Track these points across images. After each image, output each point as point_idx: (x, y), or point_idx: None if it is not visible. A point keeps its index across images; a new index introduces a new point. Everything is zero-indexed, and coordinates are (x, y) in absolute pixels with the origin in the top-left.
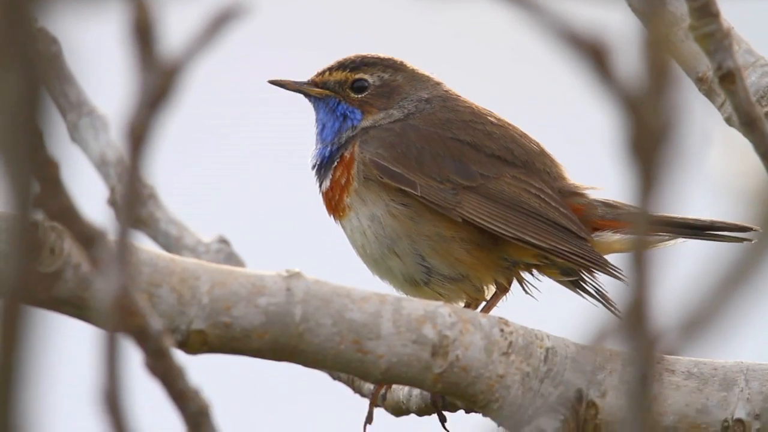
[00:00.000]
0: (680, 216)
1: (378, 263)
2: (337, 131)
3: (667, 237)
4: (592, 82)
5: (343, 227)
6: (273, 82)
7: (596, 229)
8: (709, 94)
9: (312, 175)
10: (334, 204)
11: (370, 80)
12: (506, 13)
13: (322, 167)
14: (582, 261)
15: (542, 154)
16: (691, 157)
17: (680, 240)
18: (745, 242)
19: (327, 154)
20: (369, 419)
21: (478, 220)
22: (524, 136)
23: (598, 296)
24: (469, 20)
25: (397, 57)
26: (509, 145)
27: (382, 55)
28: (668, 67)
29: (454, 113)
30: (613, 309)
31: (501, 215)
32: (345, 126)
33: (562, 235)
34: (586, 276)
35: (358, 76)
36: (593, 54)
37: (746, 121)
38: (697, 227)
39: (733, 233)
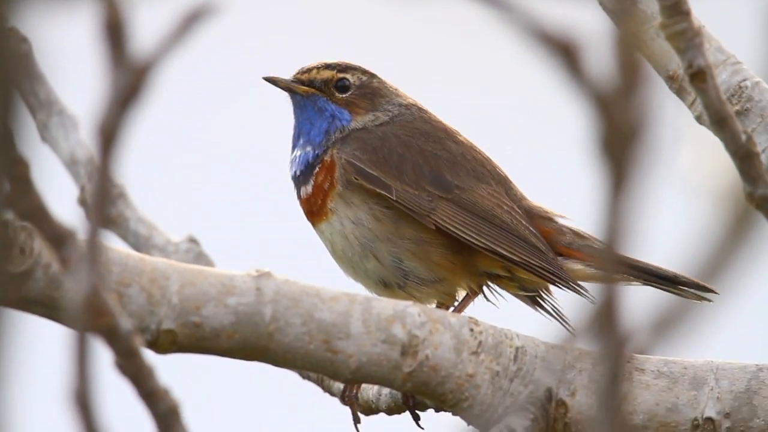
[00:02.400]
0: (645, 262)
1: (356, 266)
2: (326, 132)
3: (628, 279)
4: (563, 80)
5: (320, 231)
6: (267, 79)
7: (561, 255)
8: (680, 92)
9: (291, 182)
10: (316, 209)
11: (351, 80)
12: (477, 11)
13: (303, 174)
14: (551, 277)
15: (506, 178)
16: (661, 156)
17: (640, 284)
18: (703, 301)
19: (310, 159)
20: (356, 420)
21: (452, 228)
22: (488, 160)
23: (553, 313)
24: (439, 18)
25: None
26: (478, 167)
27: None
28: (639, 65)
29: (431, 126)
30: (567, 326)
31: (474, 225)
32: (333, 126)
33: (532, 250)
34: (544, 294)
35: (341, 75)
36: (564, 52)
37: (717, 120)
38: (659, 276)
39: (693, 290)
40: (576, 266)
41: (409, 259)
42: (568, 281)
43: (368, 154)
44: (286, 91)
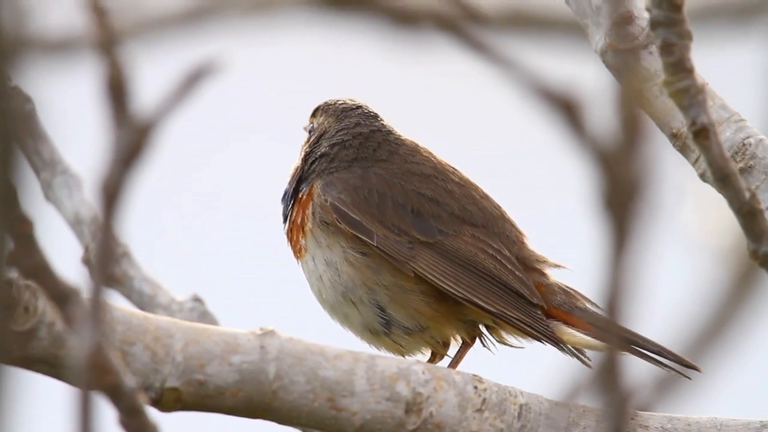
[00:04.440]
0: (632, 331)
1: (334, 309)
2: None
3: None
4: (566, 137)
5: (302, 269)
6: None
7: (549, 316)
8: (684, 149)
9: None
10: (293, 245)
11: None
12: (480, 67)
13: (285, 207)
14: (530, 330)
15: (502, 218)
16: (664, 212)
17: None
18: (684, 378)
19: (290, 192)
20: None
21: (430, 276)
22: (486, 197)
23: (572, 350)
24: (442, 75)
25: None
26: (469, 206)
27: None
28: (641, 122)
29: (417, 165)
30: (585, 360)
31: (453, 274)
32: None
33: (512, 301)
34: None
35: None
36: (566, 108)
37: (721, 177)
38: (645, 348)
39: (677, 366)
40: (565, 329)
41: (389, 307)
42: (546, 334)
43: (351, 195)
44: None
